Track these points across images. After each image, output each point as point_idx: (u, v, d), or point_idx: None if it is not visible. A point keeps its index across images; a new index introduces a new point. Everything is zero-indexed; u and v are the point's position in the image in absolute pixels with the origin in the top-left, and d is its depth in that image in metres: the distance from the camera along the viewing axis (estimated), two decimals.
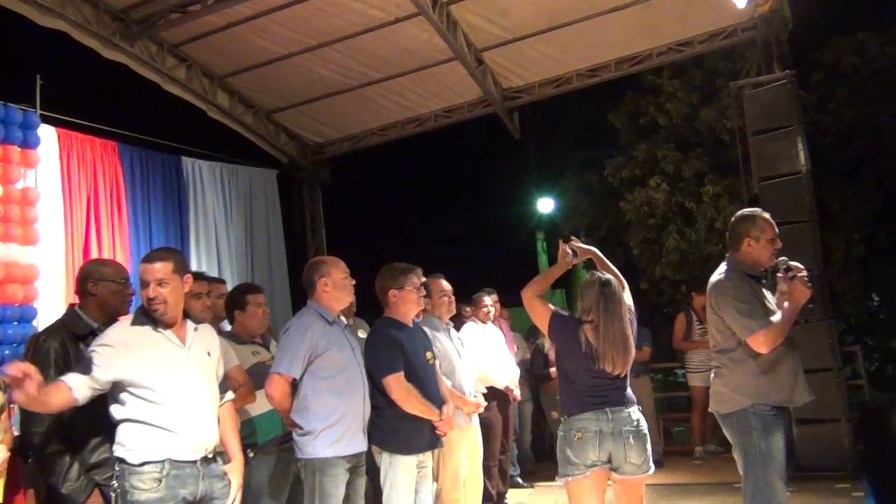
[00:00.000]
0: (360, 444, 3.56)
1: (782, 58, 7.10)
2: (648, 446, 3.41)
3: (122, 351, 2.76)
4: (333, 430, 3.44)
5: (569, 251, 3.69)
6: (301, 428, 3.46)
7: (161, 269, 2.84)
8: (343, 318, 3.84)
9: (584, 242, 3.81)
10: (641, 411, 3.46)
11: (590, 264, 3.81)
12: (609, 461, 3.36)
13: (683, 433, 8.99)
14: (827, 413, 6.02)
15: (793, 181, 6.53)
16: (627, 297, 3.51)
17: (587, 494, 3.44)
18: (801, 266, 3.35)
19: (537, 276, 3.74)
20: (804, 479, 5.59)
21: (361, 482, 3.65)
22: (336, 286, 3.67)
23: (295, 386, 3.51)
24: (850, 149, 8.96)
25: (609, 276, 3.48)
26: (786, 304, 3.28)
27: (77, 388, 2.67)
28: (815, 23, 8.25)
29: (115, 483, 2.74)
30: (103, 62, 6.92)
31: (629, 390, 3.48)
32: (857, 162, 9.03)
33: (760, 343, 3.21)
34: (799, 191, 6.50)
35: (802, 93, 7.69)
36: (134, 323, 2.86)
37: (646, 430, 3.42)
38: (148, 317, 2.86)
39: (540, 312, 3.61)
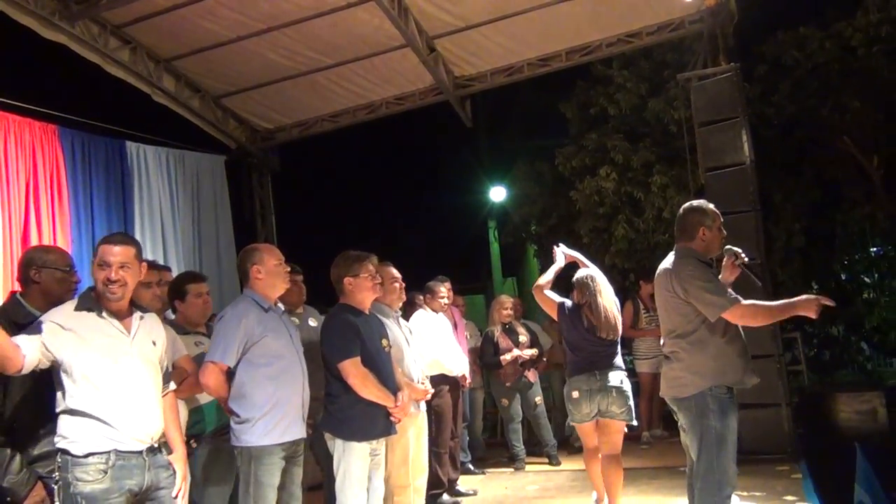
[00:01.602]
0: (297, 432, 3.53)
1: (728, 50, 7.25)
2: (630, 402, 4.62)
3: (66, 333, 2.69)
4: (270, 417, 3.41)
5: (561, 254, 4.89)
6: (238, 416, 3.42)
7: (124, 252, 2.80)
8: (280, 305, 3.80)
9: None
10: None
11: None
12: (599, 411, 4.60)
13: None
14: (768, 398, 6.21)
15: (737, 172, 6.69)
16: (609, 286, 4.80)
17: (589, 434, 4.79)
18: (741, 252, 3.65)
19: (542, 275, 4.97)
20: (745, 461, 5.66)
21: (298, 471, 3.61)
22: (269, 273, 3.63)
23: (232, 374, 3.46)
24: (792, 140, 9.19)
25: (594, 271, 4.84)
26: (782, 301, 3.41)
27: (24, 345, 2.59)
28: (760, 17, 8.43)
29: (56, 475, 2.67)
30: (42, 42, 6.67)
31: (618, 358, 4.72)
32: (798, 154, 9.27)
33: (738, 315, 3.36)
34: (743, 181, 6.67)
35: (747, 85, 7.86)
36: (78, 308, 2.78)
37: (627, 389, 4.64)
38: (93, 302, 2.79)
39: (549, 304, 4.87)
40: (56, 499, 2.66)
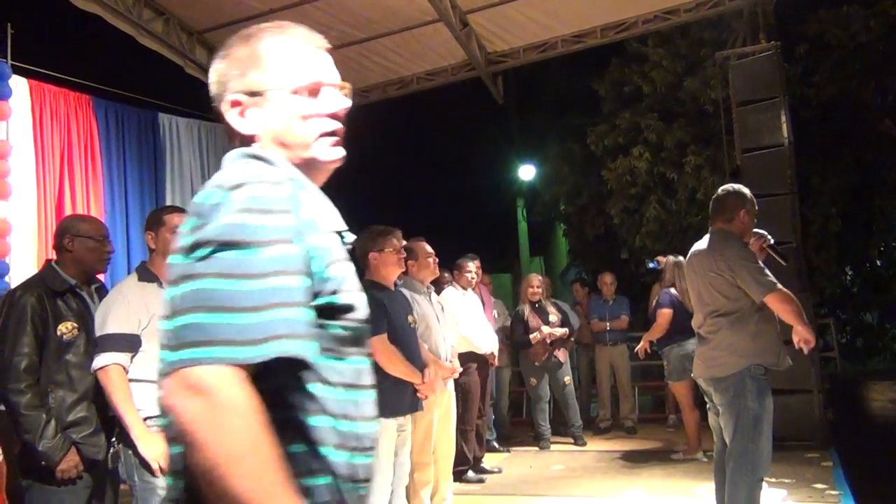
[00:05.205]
0: None
1: (768, 28, 7.06)
2: None
3: (139, 306, 2.81)
4: None
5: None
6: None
7: None
8: None
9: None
10: None
11: None
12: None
13: (649, 401, 9.16)
14: (799, 384, 6.11)
15: (775, 153, 6.55)
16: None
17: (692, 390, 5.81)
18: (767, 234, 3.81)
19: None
20: (775, 447, 5.60)
21: None
22: None
23: None
24: (832, 123, 8.98)
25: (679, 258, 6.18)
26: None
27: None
28: None
29: (115, 440, 2.77)
30: (77, 13, 6.69)
31: None
32: (837, 136, 9.06)
33: (779, 300, 3.40)
34: (780, 163, 6.52)
35: (787, 65, 7.67)
36: (141, 279, 2.93)
37: None
38: (151, 274, 2.93)
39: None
40: (113, 461, 2.77)
